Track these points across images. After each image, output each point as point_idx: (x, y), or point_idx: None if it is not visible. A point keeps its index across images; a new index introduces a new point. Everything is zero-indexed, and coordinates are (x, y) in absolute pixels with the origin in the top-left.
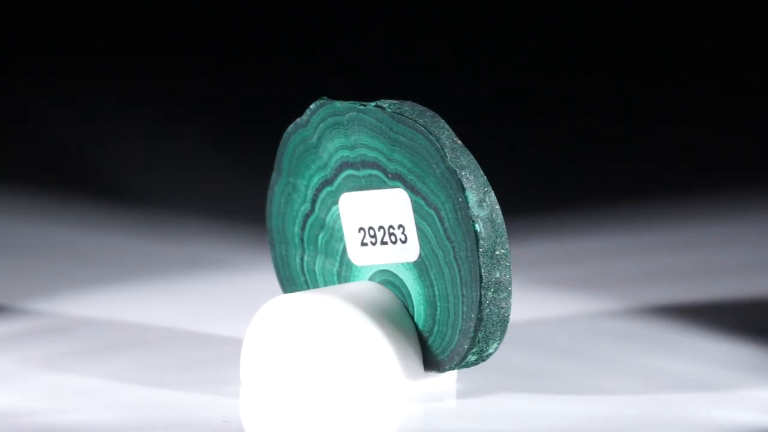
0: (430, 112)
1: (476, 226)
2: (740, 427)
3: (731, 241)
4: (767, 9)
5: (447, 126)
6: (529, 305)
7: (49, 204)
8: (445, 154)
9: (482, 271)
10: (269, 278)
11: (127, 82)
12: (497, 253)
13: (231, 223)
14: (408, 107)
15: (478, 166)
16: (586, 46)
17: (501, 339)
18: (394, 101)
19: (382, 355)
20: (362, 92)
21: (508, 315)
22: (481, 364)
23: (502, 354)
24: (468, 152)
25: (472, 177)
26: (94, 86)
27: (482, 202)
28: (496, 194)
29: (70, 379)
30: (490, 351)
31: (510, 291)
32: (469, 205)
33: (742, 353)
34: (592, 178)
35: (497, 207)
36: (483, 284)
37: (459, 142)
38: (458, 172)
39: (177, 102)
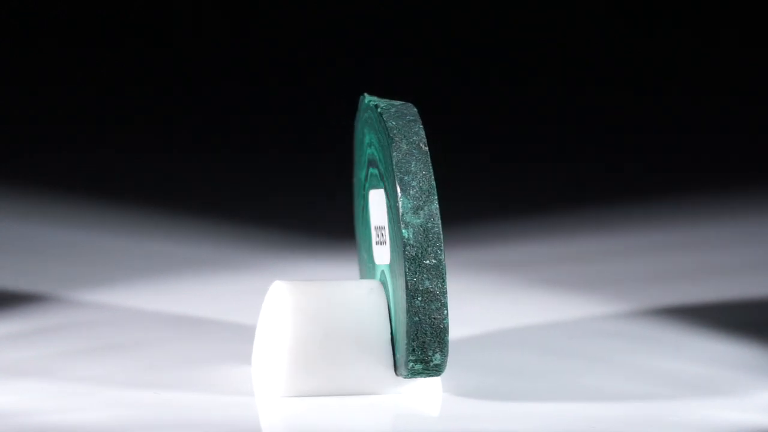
0: (411, 116)
1: (404, 232)
2: (740, 427)
3: (731, 241)
4: (764, 13)
5: (420, 131)
6: (529, 306)
7: (46, 204)
8: (392, 157)
9: (407, 277)
10: (272, 277)
11: (129, 81)
12: (426, 262)
13: (233, 223)
14: (395, 108)
15: (430, 175)
16: (587, 52)
17: (442, 350)
18: (394, 102)
19: (321, 357)
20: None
21: (445, 326)
22: (478, 365)
23: (501, 354)
24: (426, 160)
25: (415, 184)
26: (95, 86)
27: (419, 209)
28: (496, 194)
29: (70, 379)
30: (436, 361)
31: (444, 303)
32: (402, 211)
33: (743, 353)
34: (592, 179)
35: (437, 218)
36: (408, 291)
37: (425, 148)
38: (401, 177)
39: (177, 102)
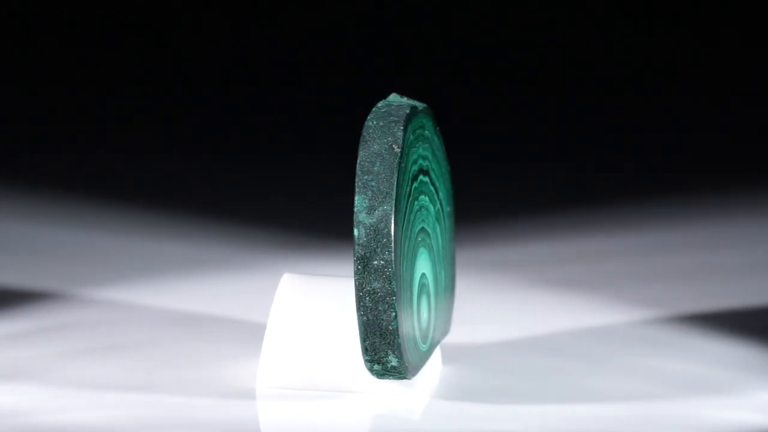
0: (396, 117)
1: (355, 231)
2: (740, 427)
3: (731, 242)
4: (765, 13)
5: (397, 133)
6: (530, 306)
7: (46, 204)
8: (358, 156)
9: (355, 277)
10: (272, 277)
11: (129, 81)
12: (374, 262)
13: (233, 223)
14: (386, 108)
15: (392, 177)
16: (587, 52)
17: (396, 353)
18: (394, 101)
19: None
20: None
21: (394, 329)
22: (477, 365)
23: (501, 355)
24: (393, 162)
25: (375, 185)
26: (95, 86)
27: (372, 209)
28: (496, 194)
29: (70, 379)
30: (393, 363)
31: (391, 304)
32: (356, 209)
33: (743, 353)
34: (592, 179)
35: (389, 220)
36: (356, 291)
37: (396, 150)
38: (361, 176)
39: (177, 102)
